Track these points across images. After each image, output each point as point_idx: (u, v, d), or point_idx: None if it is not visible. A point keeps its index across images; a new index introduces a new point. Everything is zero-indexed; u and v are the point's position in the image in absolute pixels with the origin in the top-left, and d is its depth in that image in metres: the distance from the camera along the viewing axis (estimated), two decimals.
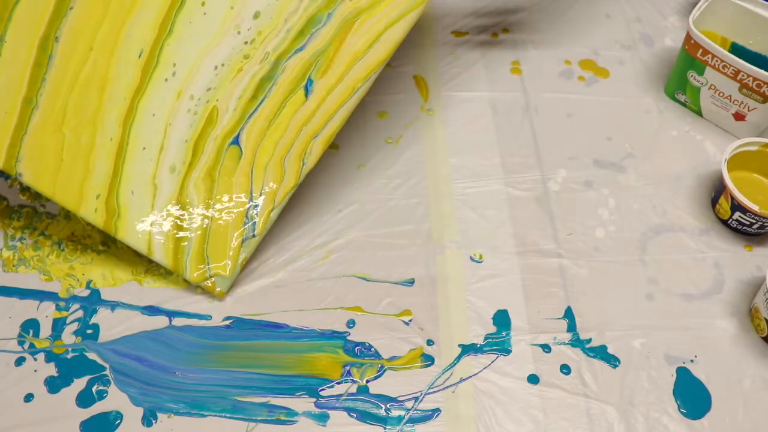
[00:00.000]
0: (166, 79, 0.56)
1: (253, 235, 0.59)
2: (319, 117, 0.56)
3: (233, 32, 0.55)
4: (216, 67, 0.55)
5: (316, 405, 0.54)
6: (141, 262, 0.62)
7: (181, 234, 0.58)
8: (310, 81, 0.55)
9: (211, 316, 0.59)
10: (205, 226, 0.57)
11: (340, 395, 0.54)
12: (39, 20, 0.54)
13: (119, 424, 0.53)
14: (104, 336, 0.58)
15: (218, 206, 0.57)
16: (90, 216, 0.57)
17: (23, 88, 0.55)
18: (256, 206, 0.57)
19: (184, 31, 0.55)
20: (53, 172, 0.56)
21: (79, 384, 0.55)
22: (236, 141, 0.56)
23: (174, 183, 0.57)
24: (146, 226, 0.57)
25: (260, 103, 0.56)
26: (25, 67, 0.54)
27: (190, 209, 0.57)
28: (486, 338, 0.57)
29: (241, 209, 0.57)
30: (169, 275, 0.61)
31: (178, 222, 0.57)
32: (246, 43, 0.55)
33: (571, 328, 0.58)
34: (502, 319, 0.58)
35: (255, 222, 0.57)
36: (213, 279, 0.58)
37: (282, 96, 0.56)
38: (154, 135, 0.56)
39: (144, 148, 0.56)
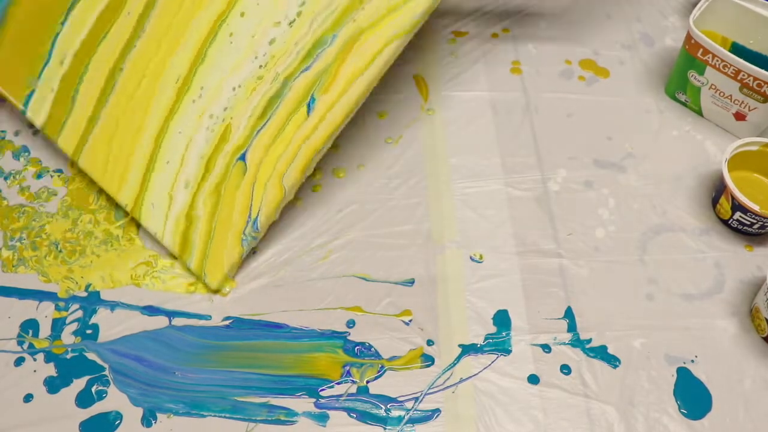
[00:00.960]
0: (194, 101, 0.61)
1: (254, 252, 0.61)
2: (320, 132, 0.58)
3: (251, 58, 0.60)
4: (234, 89, 0.60)
5: (316, 405, 0.54)
6: (140, 265, 0.62)
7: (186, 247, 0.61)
8: (312, 99, 0.58)
9: (210, 316, 0.59)
10: (206, 242, 0.60)
11: (340, 395, 0.54)
12: (113, 54, 0.64)
13: (119, 424, 0.53)
14: (104, 336, 0.58)
15: (220, 223, 0.60)
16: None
17: (91, 108, 0.64)
18: (255, 224, 0.59)
19: (214, 58, 0.61)
20: (100, 178, 0.64)
21: (79, 384, 0.55)
22: (243, 157, 0.59)
23: (186, 196, 0.61)
24: (159, 235, 0.61)
25: (267, 121, 0.59)
26: (96, 91, 0.64)
27: (197, 223, 0.60)
28: (486, 338, 0.57)
29: (239, 227, 0.59)
30: (168, 281, 0.61)
31: (185, 233, 0.60)
32: (260, 66, 0.59)
33: (571, 328, 0.58)
34: (502, 319, 0.58)
35: (255, 238, 0.60)
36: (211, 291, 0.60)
37: (287, 113, 0.59)
38: (177, 151, 0.62)
39: (167, 162, 0.61)
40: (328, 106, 0.58)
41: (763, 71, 0.62)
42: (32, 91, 0.66)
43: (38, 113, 0.66)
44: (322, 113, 0.58)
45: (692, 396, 0.54)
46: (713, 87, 0.67)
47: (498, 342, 0.57)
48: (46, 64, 0.65)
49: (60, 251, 0.62)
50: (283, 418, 0.53)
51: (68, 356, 0.56)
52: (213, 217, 0.60)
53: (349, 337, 0.57)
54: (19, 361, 0.56)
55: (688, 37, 0.66)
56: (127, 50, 0.63)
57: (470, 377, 0.55)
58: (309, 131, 0.58)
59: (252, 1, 0.60)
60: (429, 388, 0.55)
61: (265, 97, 0.59)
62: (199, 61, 0.61)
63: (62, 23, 0.65)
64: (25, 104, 0.66)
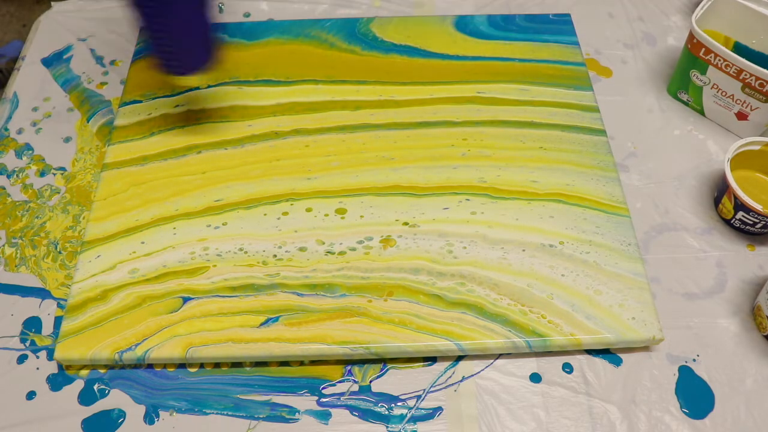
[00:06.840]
0: (208, 225, 0.62)
1: None
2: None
3: None
4: (237, 251, 0.60)
5: (318, 403, 0.54)
6: None
7: None
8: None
9: None
10: (93, 323, 0.56)
11: (342, 393, 0.54)
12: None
13: (122, 422, 0.53)
14: None
15: (115, 324, 0.56)
16: None
17: (161, 149, 0.68)
18: (134, 352, 0.55)
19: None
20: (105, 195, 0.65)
21: (81, 382, 0.55)
22: (186, 300, 0.57)
23: (123, 278, 0.59)
24: (75, 279, 0.59)
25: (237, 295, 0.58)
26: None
27: (103, 305, 0.57)
28: None
29: (119, 345, 0.55)
30: None
31: (89, 301, 0.58)
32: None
33: None
34: None
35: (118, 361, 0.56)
36: None
37: None
38: (157, 241, 0.61)
39: (141, 243, 0.61)
40: None
41: (765, 71, 0.62)
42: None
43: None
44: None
45: (694, 395, 0.54)
46: (715, 86, 0.67)
47: None
48: None
49: (59, 252, 0.62)
50: (285, 416, 0.53)
51: None
52: (117, 314, 0.56)
53: None
54: (21, 359, 0.56)
55: (691, 37, 0.66)
56: (235, 144, 0.67)
57: (472, 376, 0.55)
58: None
59: None
60: (431, 387, 0.55)
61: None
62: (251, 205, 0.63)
63: None
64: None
